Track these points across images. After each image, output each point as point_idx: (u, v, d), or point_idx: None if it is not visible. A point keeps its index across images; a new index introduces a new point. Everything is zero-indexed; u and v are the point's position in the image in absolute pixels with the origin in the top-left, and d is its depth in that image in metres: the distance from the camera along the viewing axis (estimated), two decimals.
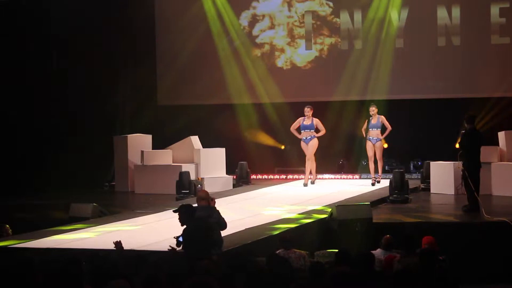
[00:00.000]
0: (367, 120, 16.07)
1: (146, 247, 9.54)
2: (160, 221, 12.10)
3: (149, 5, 20.28)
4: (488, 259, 11.20)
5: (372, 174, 16.55)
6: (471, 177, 12.48)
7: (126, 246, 9.79)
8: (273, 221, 11.76)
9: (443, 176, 15.24)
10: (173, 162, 17.22)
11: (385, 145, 19.41)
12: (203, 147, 17.39)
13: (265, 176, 19.20)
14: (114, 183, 18.12)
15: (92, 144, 18.34)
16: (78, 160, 18.23)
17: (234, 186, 17.25)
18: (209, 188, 16.35)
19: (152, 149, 17.76)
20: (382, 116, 16.03)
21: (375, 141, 16.12)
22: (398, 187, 14.27)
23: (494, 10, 18.45)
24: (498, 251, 11.28)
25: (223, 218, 9.34)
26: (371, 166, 16.43)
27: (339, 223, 11.46)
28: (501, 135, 15.42)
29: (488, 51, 18.51)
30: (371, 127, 16.05)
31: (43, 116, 18.23)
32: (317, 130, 16.23)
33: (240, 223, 11.50)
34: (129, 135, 18.07)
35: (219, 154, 17.29)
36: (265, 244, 10.02)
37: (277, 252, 8.72)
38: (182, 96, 20.17)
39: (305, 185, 16.53)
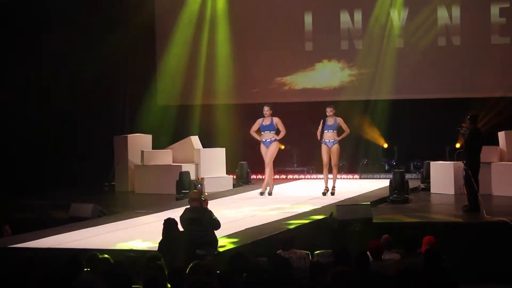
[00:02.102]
0: (322, 121, 14.71)
1: (145, 247, 9.53)
2: (160, 221, 12.06)
3: (149, 4, 20.28)
4: (488, 259, 11.20)
5: (326, 183, 14.87)
6: (475, 177, 12.48)
7: (126, 246, 9.83)
8: (273, 221, 11.77)
9: (443, 176, 15.24)
10: (173, 162, 17.22)
11: (385, 145, 19.45)
12: (203, 147, 17.39)
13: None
14: (114, 183, 18.12)
15: (92, 144, 18.33)
16: (78, 160, 18.24)
17: (234, 186, 17.24)
18: (209, 188, 16.39)
19: (152, 149, 17.76)
20: (340, 118, 14.70)
21: (331, 144, 14.62)
22: (398, 187, 14.27)
23: (494, 10, 18.45)
24: (498, 251, 11.27)
25: (215, 218, 9.37)
26: (325, 173, 14.80)
27: (339, 223, 11.46)
28: (501, 135, 15.42)
29: (488, 51, 18.51)
30: (327, 129, 14.60)
31: (43, 116, 18.21)
32: (278, 131, 14.77)
33: (240, 223, 11.51)
34: (129, 135, 18.07)
35: (219, 154, 17.29)
36: (265, 244, 10.02)
37: (278, 252, 8.72)
38: (182, 96, 20.16)
39: (262, 193, 14.90)
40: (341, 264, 7.50)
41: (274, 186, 15.36)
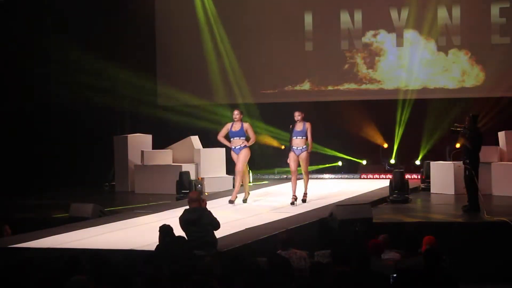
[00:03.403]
0: (291, 127, 13.60)
1: (146, 247, 9.53)
2: (160, 221, 12.05)
3: (149, 5, 20.29)
4: (488, 259, 11.20)
5: (294, 192, 13.58)
6: (477, 177, 12.48)
7: (125, 246, 9.83)
8: (273, 221, 11.77)
9: (443, 176, 15.24)
10: (173, 162, 17.22)
11: (385, 145, 19.46)
12: (203, 147, 17.39)
13: (265, 176, 19.19)
14: (114, 183, 18.12)
15: (92, 144, 18.33)
16: (78, 160, 18.24)
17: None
18: (209, 188, 16.39)
19: (152, 149, 17.76)
20: (309, 123, 13.52)
21: (299, 151, 13.46)
22: (398, 187, 14.28)
23: (494, 10, 18.45)
24: (498, 251, 11.28)
25: (215, 218, 9.37)
26: (293, 180, 13.59)
27: (339, 223, 11.46)
28: (501, 135, 15.42)
29: (488, 51, 18.51)
30: (295, 135, 13.46)
31: (43, 116, 18.22)
32: (248, 138, 13.77)
33: (240, 223, 11.51)
34: (129, 135, 18.08)
35: (219, 154, 17.28)
36: (265, 244, 10.02)
37: (278, 252, 8.72)
38: (182, 96, 20.16)
39: (232, 201, 13.63)
40: (340, 264, 7.51)
41: (278, 186, 15.27)
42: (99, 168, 18.40)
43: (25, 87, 18.08)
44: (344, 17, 19.43)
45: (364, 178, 18.52)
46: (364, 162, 19.37)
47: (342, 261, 7.58)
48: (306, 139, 13.42)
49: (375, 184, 16.90)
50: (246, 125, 13.71)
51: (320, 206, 13.42)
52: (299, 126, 13.46)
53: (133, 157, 17.53)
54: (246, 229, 10.98)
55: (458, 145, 14.77)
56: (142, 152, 17.26)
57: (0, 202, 15.05)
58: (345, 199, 14.46)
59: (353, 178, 18.66)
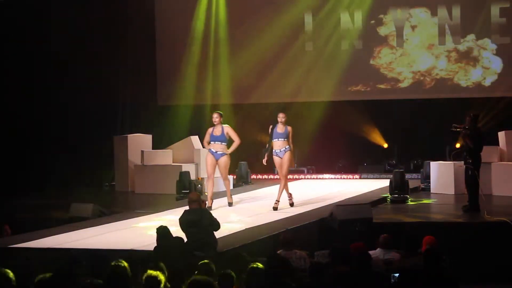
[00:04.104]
0: (271, 127, 13.04)
1: (146, 247, 9.53)
2: (160, 221, 12.07)
3: (149, 5, 20.30)
4: (488, 259, 11.20)
5: (278, 196, 13.05)
6: (478, 177, 12.48)
7: (125, 246, 9.84)
8: (273, 221, 11.77)
9: (443, 176, 15.24)
10: (173, 162, 17.21)
11: (385, 145, 19.47)
12: (203, 147, 17.37)
13: (265, 176, 19.19)
14: (114, 183, 18.12)
15: (92, 144, 18.34)
16: (78, 160, 18.24)
17: (234, 186, 17.24)
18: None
19: (152, 149, 17.76)
20: (290, 127, 13.01)
21: (282, 153, 12.93)
22: (398, 187, 14.28)
23: (494, 10, 18.45)
24: (498, 251, 11.28)
25: (215, 219, 9.36)
26: (283, 185, 13.09)
27: (339, 223, 11.46)
28: (501, 135, 15.43)
29: (487, 51, 18.50)
30: (276, 137, 12.90)
31: (43, 116, 18.22)
32: (231, 142, 13.24)
33: (240, 223, 11.51)
34: (129, 135, 18.08)
35: None
36: (265, 244, 10.02)
37: (278, 252, 8.72)
38: (182, 96, 20.16)
39: (209, 208, 12.66)
40: (339, 263, 7.51)
41: (278, 186, 15.08)
42: (99, 168, 18.40)
43: (25, 87, 18.08)
44: (344, 17, 19.43)
45: (364, 178, 18.52)
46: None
47: (341, 260, 7.58)
48: (287, 141, 12.95)
49: (375, 184, 16.90)
50: (227, 128, 13.20)
51: (320, 206, 13.42)
52: (281, 128, 12.94)
53: (133, 157, 17.53)
54: (246, 229, 10.99)
55: (458, 145, 14.77)
56: (142, 152, 17.26)
57: (0, 202, 15.06)
58: (345, 199, 14.47)
59: (353, 178, 18.67)
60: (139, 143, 17.76)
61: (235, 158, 17.74)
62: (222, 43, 20.09)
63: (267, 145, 13.08)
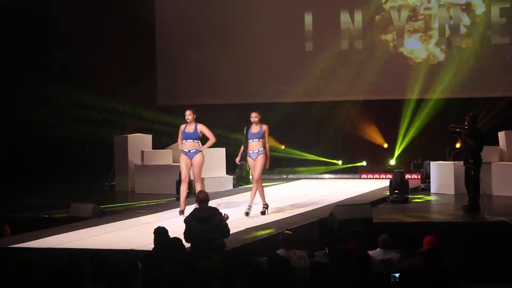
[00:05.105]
0: (245, 129, 12.38)
1: (146, 247, 9.53)
2: (160, 221, 12.07)
3: (149, 5, 20.29)
4: (488, 259, 11.20)
5: (250, 201, 12.34)
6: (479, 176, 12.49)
7: (125, 246, 9.84)
8: (273, 221, 11.77)
9: (443, 176, 15.24)
10: (173, 162, 17.19)
11: (385, 145, 19.48)
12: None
13: (266, 176, 19.17)
14: (114, 183, 18.12)
15: (92, 144, 18.33)
16: (78, 159, 18.23)
17: (234, 186, 17.24)
18: (209, 188, 16.36)
19: (152, 149, 17.75)
20: (266, 126, 12.33)
21: (256, 155, 12.23)
22: (398, 187, 14.28)
23: (494, 10, 18.45)
24: (498, 251, 11.27)
25: (226, 224, 9.27)
26: (260, 190, 12.36)
27: (339, 223, 11.46)
28: (501, 135, 15.43)
29: (488, 51, 18.51)
30: (251, 138, 12.23)
31: (43, 116, 18.22)
32: (205, 140, 12.65)
33: (240, 223, 11.51)
34: (129, 135, 18.08)
35: (219, 154, 17.28)
36: (265, 244, 10.02)
37: (278, 252, 8.72)
38: (182, 96, 20.16)
39: (181, 212, 12.33)
40: (337, 263, 7.51)
41: (278, 185, 15.13)
42: (99, 168, 18.40)
43: (25, 87, 18.09)
44: (344, 17, 19.43)
45: (364, 178, 18.53)
46: (364, 163, 19.37)
47: (339, 260, 7.58)
48: (263, 142, 12.28)
49: (375, 184, 16.90)
50: (200, 126, 12.57)
51: (320, 206, 13.42)
52: (255, 128, 12.25)
53: (133, 157, 17.53)
54: (246, 229, 10.98)
55: (458, 145, 14.77)
56: (142, 152, 17.26)
57: (0, 202, 15.05)
58: (345, 199, 14.46)
59: (353, 178, 18.67)
60: (139, 143, 17.76)
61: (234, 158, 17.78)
62: (222, 43, 20.07)
63: (241, 149, 12.37)
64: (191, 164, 12.59)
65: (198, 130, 12.52)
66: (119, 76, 19.77)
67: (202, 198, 9.42)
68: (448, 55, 18.78)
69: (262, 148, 12.25)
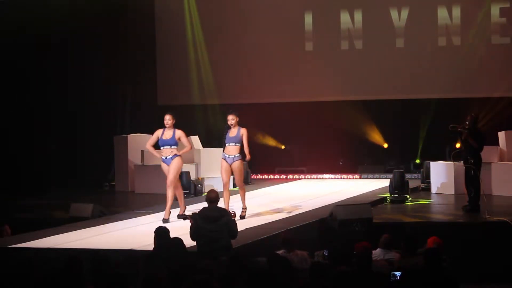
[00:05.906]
0: (225, 132, 11.93)
1: (146, 247, 9.53)
2: (160, 221, 12.07)
3: (149, 5, 20.30)
4: (488, 259, 11.20)
5: (226, 206, 11.71)
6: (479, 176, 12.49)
7: (125, 246, 9.84)
8: (273, 221, 11.77)
9: (443, 176, 15.25)
10: None
11: (385, 145, 19.47)
12: (203, 147, 17.38)
13: (265, 176, 19.20)
14: (114, 183, 18.12)
15: (92, 144, 18.33)
16: (78, 159, 18.23)
17: (234, 186, 17.22)
18: (209, 188, 16.36)
19: None
20: (244, 129, 11.81)
21: (231, 160, 11.83)
22: (398, 187, 14.28)
23: (494, 10, 18.46)
24: (498, 251, 11.28)
25: (235, 224, 9.26)
26: (225, 195, 11.85)
27: (339, 223, 11.46)
28: (501, 135, 15.43)
29: (488, 51, 18.51)
30: (228, 142, 11.77)
31: (43, 116, 18.22)
32: (182, 146, 12.15)
33: (240, 223, 11.49)
34: (129, 135, 18.08)
35: (219, 154, 17.22)
36: (265, 244, 10.02)
37: (279, 252, 8.71)
38: (182, 96, 20.17)
39: (166, 220, 11.75)
40: (337, 263, 7.51)
41: (278, 185, 15.18)
42: (99, 168, 18.40)
43: (25, 87, 18.08)
44: (344, 17, 19.44)
45: (364, 178, 18.53)
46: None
47: (339, 260, 7.58)
48: (241, 146, 11.79)
49: (375, 184, 16.90)
50: (179, 133, 11.97)
51: (320, 206, 13.42)
52: (232, 132, 11.77)
53: (133, 157, 17.52)
54: (246, 229, 10.99)
55: (458, 145, 14.77)
56: (142, 152, 17.25)
57: (0, 202, 15.06)
58: (345, 199, 14.47)
59: (353, 178, 18.67)
60: (139, 143, 17.74)
61: None
62: (222, 43, 20.07)
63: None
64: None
65: (176, 137, 11.95)
66: (119, 76, 19.74)
67: (212, 198, 9.35)
68: (448, 55, 18.77)
69: (239, 154, 11.80)
